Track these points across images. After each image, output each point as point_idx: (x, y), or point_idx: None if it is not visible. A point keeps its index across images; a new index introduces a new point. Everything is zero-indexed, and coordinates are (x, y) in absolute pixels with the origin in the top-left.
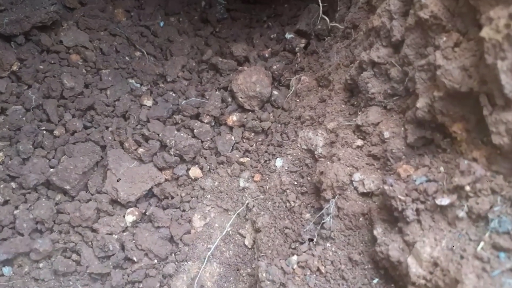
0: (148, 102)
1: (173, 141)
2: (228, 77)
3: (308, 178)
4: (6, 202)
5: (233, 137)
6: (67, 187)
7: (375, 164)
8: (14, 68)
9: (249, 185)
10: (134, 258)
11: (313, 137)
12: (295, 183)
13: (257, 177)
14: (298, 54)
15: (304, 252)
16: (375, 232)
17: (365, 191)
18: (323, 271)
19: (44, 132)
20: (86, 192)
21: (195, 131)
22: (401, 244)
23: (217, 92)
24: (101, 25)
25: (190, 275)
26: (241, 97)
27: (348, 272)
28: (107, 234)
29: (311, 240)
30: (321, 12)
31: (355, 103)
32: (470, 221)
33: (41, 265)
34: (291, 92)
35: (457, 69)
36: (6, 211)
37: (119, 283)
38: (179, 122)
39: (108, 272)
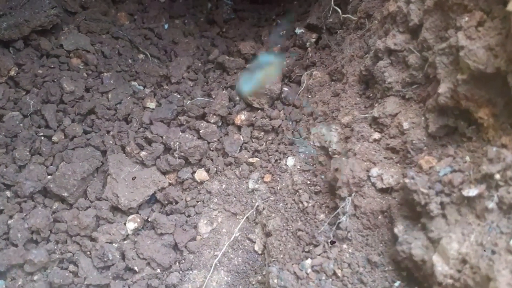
0: (152, 104)
1: (177, 143)
2: (235, 75)
3: (322, 177)
4: (0, 212)
5: (241, 137)
6: (65, 194)
7: (394, 157)
8: (12, 73)
9: (259, 187)
10: (136, 268)
11: (327, 133)
12: (308, 182)
13: (267, 177)
14: (309, 49)
15: (319, 255)
16: (395, 230)
17: (383, 186)
18: (339, 274)
19: (42, 138)
20: (85, 199)
21: (201, 131)
22: (425, 241)
23: (224, 91)
24: (103, 28)
25: (195, 284)
26: (249, 95)
27: (367, 275)
28: (106, 242)
29: (333, 243)
30: (332, 3)
31: (371, 95)
32: (501, 212)
33: (35, 277)
34: (302, 88)
35: (482, 49)
36: (0, 221)
37: None
38: (184, 123)
39: (107, 284)
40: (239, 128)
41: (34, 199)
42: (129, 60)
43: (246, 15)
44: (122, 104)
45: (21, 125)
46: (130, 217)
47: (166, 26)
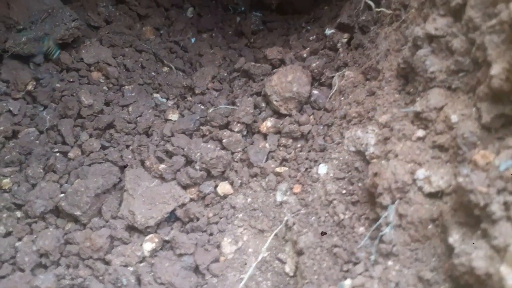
0: (174, 116)
1: (198, 154)
2: (261, 82)
3: (359, 185)
4: (8, 234)
5: (267, 145)
6: (78, 212)
7: (442, 156)
8: (29, 87)
9: (288, 199)
10: None
11: (363, 136)
12: (344, 191)
13: (297, 188)
14: (340, 49)
15: (360, 274)
16: (450, 240)
17: (432, 190)
18: None
19: (57, 154)
20: (100, 218)
21: (224, 141)
22: (487, 250)
23: (249, 98)
24: (126, 41)
25: None
26: (276, 100)
27: None
28: (121, 266)
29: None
30: None
31: (411, 90)
32: None
33: None
34: (334, 90)
35: None
36: (7, 244)
37: None
38: (207, 134)
39: None
40: (265, 136)
41: (45, 220)
42: (152, 73)
43: (275, 25)
44: (143, 117)
45: (37, 141)
46: (147, 237)
47: (193, 40)
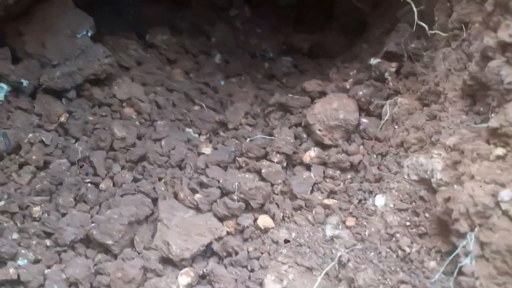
0: (207, 149)
1: (236, 184)
2: (300, 114)
3: (426, 215)
4: (37, 261)
5: (312, 175)
6: (109, 242)
7: None
8: (62, 119)
9: (340, 233)
10: None
11: (426, 162)
12: (408, 223)
13: (351, 221)
14: (389, 78)
15: None
16: None
17: None
18: None
19: (89, 185)
20: (132, 249)
21: (263, 171)
22: None
23: (288, 129)
24: (157, 81)
25: None
26: (319, 130)
27: None
28: None
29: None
30: (416, 18)
31: (481, 109)
32: None
33: None
34: (385, 118)
35: None
36: (36, 271)
37: None
38: (243, 165)
39: None
40: (308, 167)
41: (75, 249)
42: (184, 110)
43: (308, 67)
44: (176, 150)
45: (68, 172)
46: (182, 271)
47: (222, 82)
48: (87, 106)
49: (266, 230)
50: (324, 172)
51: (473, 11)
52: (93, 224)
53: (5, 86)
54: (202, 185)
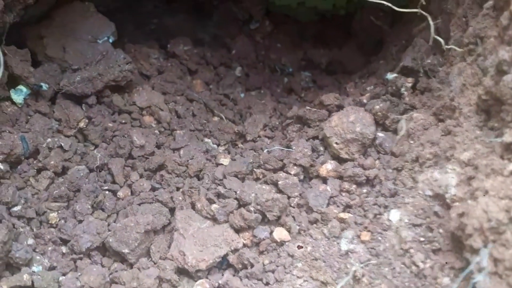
0: (225, 160)
1: (253, 195)
2: (318, 127)
3: (440, 231)
4: (52, 268)
5: (328, 188)
6: (126, 250)
7: None
8: (81, 125)
9: (355, 247)
10: None
11: (441, 177)
12: (422, 239)
13: (365, 236)
14: (405, 93)
15: None
16: None
17: None
18: None
19: (107, 192)
20: (148, 259)
21: (279, 183)
22: None
23: (305, 141)
24: (178, 90)
25: None
26: (336, 143)
27: None
28: None
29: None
30: (432, 33)
31: (495, 125)
32: None
33: None
34: (401, 133)
35: None
36: (51, 278)
37: None
38: (261, 177)
39: None
40: (324, 180)
41: (91, 257)
42: (203, 121)
43: (326, 83)
44: (194, 160)
45: (86, 179)
46: (198, 282)
47: (242, 95)
48: (106, 112)
49: (282, 243)
50: (340, 186)
51: (488, 25)
52: (109, 232)
53: (24, 89)
54: (219, 195)
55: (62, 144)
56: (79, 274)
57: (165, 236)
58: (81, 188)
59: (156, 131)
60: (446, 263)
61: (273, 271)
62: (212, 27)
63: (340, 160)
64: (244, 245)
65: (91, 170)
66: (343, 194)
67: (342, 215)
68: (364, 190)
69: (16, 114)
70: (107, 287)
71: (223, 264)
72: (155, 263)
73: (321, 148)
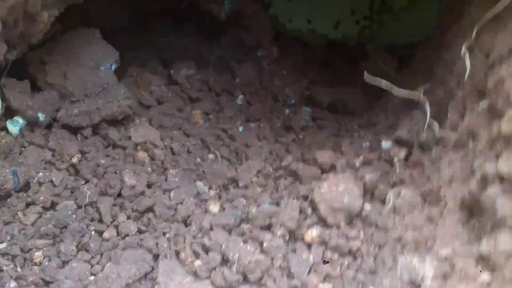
0: (215, 208)
1: (236, 255)
2: (309, 185)
3: None
4: None
5: (311, 256)
6: None
7: None
8: (74, 160)
9: None
10: None
11: (419, 266)
12: None
13: None
14: (397, 164)
15: None
16: None
17: None
18: None
19: (93, 233)
20: None
21: (264, 244)
22: None
23: (294, 201)
24: (175, 124)
25: None
26: (323, 209)
27: None
28: None
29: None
30: (428, 116)
31: (477, 225)
32: None
33: None
34: (388, 207)
35: None
36: None
37: None
38: (247, 233)
39: None
40: (309, 245)
41: None
42: (198, 159)
43: (325, 124)
44: (184, 205)
45: (74, 216)
46: None
47: (240, 129)
48: (101, 145)
49: None
50: (323, 253)
51: (482, 126)
52: (91, 278)
53: (21, 120)
54: (203, 247)
55: (53, 179)
56: None
57: (146, 285)
58: (68, 225)
59: (149, 169)
60: None
61: None
62: (218, 49)
63: (326, 226)
64: None
65: (79, 207)
66: (325, 263)
67: (322, 286)
68: (346, 262)
69: (10, 145)
70: None
71: None
72: None
73: (309, 211)
